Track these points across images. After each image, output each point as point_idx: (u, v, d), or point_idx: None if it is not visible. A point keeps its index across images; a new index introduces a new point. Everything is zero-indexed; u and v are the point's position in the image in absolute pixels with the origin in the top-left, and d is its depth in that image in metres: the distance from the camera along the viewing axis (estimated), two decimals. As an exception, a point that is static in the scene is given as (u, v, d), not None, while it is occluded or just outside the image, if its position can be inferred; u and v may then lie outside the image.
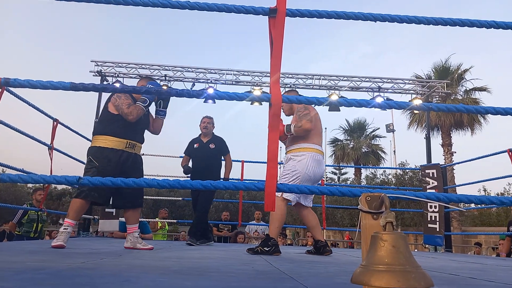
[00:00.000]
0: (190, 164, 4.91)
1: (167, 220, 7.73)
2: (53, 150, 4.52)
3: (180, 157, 6.66)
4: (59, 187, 25.95)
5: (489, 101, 17.01)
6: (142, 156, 3.38)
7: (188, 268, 1.82)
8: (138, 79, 3.49)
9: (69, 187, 18.71)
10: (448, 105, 1.48)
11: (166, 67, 8.10)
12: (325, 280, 1.55)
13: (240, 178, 6.30)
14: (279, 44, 1.55)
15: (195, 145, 4.85)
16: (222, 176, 4.83)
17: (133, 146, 3.15)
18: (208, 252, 3.18)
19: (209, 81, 8.07)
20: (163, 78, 8.05)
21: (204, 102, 8.03)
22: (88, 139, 5.71)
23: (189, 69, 8.07)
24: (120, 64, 7.99)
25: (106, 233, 6.08)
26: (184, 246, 4.16)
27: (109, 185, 1.45)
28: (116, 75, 7.91)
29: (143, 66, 8.07)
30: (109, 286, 1.17)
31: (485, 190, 18.22)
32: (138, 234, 3.21)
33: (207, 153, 4.74)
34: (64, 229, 2.92)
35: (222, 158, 4.89)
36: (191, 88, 7.89)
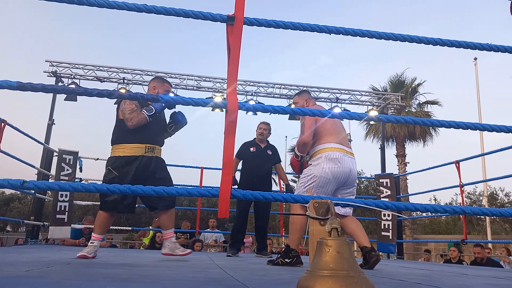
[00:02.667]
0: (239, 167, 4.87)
1: (147, 228, 7.51)
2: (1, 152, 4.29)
3: (175, 166, 6.52)
4: (7, 191, 24.58)
5: (440, 114, 17.91)
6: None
7: (140, 276, 1.77)
8: (151, 78, 3.44)
9: (18, 192, 17.74)
10: (397, 117, 1.54)
11: (125, 70, 7.92)
12: (277, 287, 1.56)
13: (199, 185, 6.24)
14: (237, 51, 1.56)
15: (252, 149, 4.72)
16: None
17: (152, 150, 3.07)
18: (163, 260, 3.12)
19: (169, 86, 7.97)
20: (121, 81, 7.87)
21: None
22: (39, 142, 5.47)
23: (149, 73, 7.94)
24: (76, 65, 7.74)
25: (57, 240, 5.82)
26: (138, 254, 4.05)
27: (80, 191, 1.39)
28: (72, 76, 7.64)
29: (101, 68, 7.85)
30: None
31: (435, 199, 19.09)
32: (175, 240, 3.14)
33: (265, 159, 4.70)
34: (91, 243, 2.95)
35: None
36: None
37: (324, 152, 2.95)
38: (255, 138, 4.84)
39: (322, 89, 8.51)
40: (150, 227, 7.43)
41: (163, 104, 3.06)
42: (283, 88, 8.44)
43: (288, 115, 8.51)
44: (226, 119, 1.49)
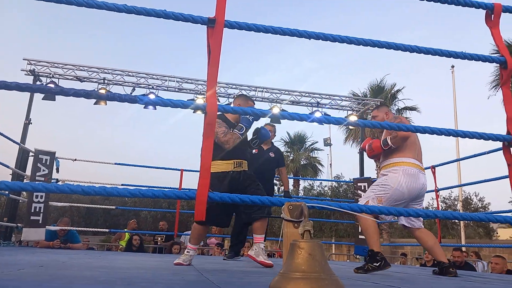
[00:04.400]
0: None
1: (124, 231, 7.37)
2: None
3: (116, 164, 6.43)
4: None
5: (418, 120, 18.25)
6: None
7: (116, 278, 1.75)
8: (234, 97, 3.56)
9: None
10: (374, 122, 1.58)
11: (105, 70, 7.82)
12: (253, 289, 1.56)
13: (178, 187, 6.19)
14: (217, 54, 1.56)
15: (254, 151, 4.52)
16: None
17: (240, 164, 3.22)
18: (141, 262, 3.08)
19: (150, 86, 7.90)
20: (102, 81, 7.76)
21: (144, 107, 7.86)
22: (14, 141, 5.33)
23: (130, 73, 7.86)
24: (55, 64, 7.59)
25: (31, 242, 5.68)
26: (115, 256, 3.99)
27: (54, 192, 1.37)
28: (51, 75, 7.50)
29: (80, 67, 7.72)
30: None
31: (412, 204, 19.34)
32: (263, 246, 3.17)
33: (266, 161, 4.55)
34: (187, 252, 3.22)
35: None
36: (130, 93, 7.67)
37: (402, 165, 2.97)
38: None
39: (304, 94, 8.57)
40: (125, 230, 7.31)
41: (251, 120, 3.19)
42: (265, 91, 8.48)
43: (269, 119, 8.56)
44: (205, 121, 1.50)
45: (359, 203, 2.86)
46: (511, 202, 16.62)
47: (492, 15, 1.91)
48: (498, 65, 1.91)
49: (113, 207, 7.66)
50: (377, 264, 2.84)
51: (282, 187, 5.06)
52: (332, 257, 10.74)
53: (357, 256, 6.78)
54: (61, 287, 1.36)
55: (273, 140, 4.90)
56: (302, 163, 23.61)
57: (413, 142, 3.10)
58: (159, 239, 7.19)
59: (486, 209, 18.25)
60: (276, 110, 7.48)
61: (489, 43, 14.67)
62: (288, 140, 25.69)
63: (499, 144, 1.80)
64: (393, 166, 3.01)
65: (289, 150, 25.69)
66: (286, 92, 8.55)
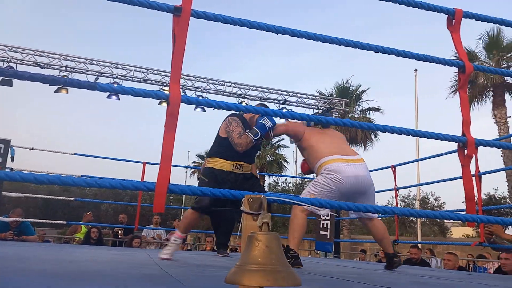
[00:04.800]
0: None
1: (83, 223, 7.09)
2: None
3: (76, 154, 6.22)
4: None
5: (381, 120, 18.74)
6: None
7: (68, 271, 1.69)
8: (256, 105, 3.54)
9: None
10: (336, 119, 1.59)
11: (68, 57, 7.53)
12: (210, 283, 1.55)
13: (141, 180, 6.07)
14: (182, 43, 1.52)
15: None
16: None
17: (240, 167, 3.23)
18: (98, 256, 2.99)
19: (114, 76, 7.68)
20: (64, 68, 7.47)
21: (107, 98, 7.64)
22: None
23: (93, 62, 7.61)
24: (14, 48, 7.24)
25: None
26: (72, 249, 3.86)
27: (4, 179, 1.29)
28: (8, 60, 7.14)
29: (41, 53, 7.40)
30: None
31: (373, 202, 19.96)
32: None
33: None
34: (173, 240, 3.08)
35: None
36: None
37: (327, 164, 2.95)
38: None
39: (271, 90, 8.61)
40: (81, 222, 7.09)
41: (267, 127, 3.13)
42: (233, 86, 8.44)
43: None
44: (167, 111, 1.46)
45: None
46: (464, 202, 17.41)
47: (454, 20, 1.97)
48: (457, 70, 1.98)
49: (72, 198, 7.40)
50: (287, 261, 2.69)
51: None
52: (304, 253, 10.91)
53: (318, 252, 6.90)
54: (15, 280, 1.30)
55: None
56: (268, 159, 23.75)
57: (319, 141, 3.10)
58: (119, 232, 7.03)
59: (442, 208, 19.09)
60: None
61: (450, 49, 15.25)
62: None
63: (455, 146, 1.87)
64: (320, 168, 2.98)
65: (255, 146, 25.77)
66: (254, 88, 8.55)
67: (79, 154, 6.25)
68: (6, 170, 5.39)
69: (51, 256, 2.58)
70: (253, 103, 8.55)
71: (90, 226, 6.62)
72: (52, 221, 6.79)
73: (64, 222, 6.93)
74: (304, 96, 8.78)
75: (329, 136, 3.25)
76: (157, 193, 1.33)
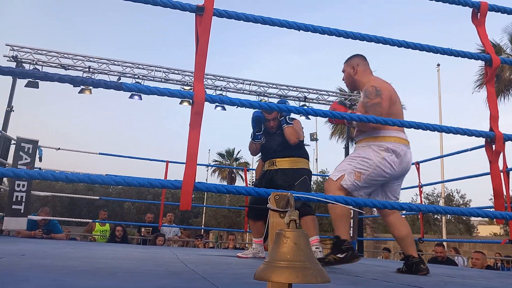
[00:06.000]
0: None
1: (107, 221, 7.31)
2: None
3: (100, 154, 6.36)
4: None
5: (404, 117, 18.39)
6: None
7: (96, 268, 1.73)
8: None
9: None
10: (360, 115, 1.58)
11: (91, 58, 7.68)
12: (236, 280, 1.57)
13: (164, 178, 6.15)
14: (205, 42, 1.54)
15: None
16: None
17: (272, 163, 3.46)
18: (123, 253, 3.06)
19: (136, 76, 7.80)
20: (87, 69, 7.63)
21: (129, 98, 7.76)
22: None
23: (115, 62, 7.74)
24: (39, 51, 7.43)
25: (12, 232, 5.58)
26: (98, 247, 3.95)
27: (37, 178, 1.33)
28: (34, 62, 7.33)
29: (65, 55, 7.57)
30: (3, 286, 1.07)
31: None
32: (315, 248, 3.10)
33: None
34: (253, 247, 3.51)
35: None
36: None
37: (388, 141, 2.40)
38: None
39: (291, 88, 8.58)
40: (97, 220, 7.24)
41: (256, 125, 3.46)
42: (253, 84, 8.45)
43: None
44: (192, 110, 1.48)
45: (331, 176, 2.45)
46: (491, 199, 16.98)
47: (479, 14, 1.92)
48: (482, 64, 1.93)
49: (97, 197, 7.56)
50: (342, 256, 2.31)
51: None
52: (315, 251, 10.89)
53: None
54: (38, 276, 1.34)
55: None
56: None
57: (399, 113, 2.53)
58: (143, 230, 7.14)
59: (468, 205, 18.63)
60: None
61: (474, 42, 14.86)
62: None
63: (482, 142, 1.83)
64: (377, 140, 2.43)
65: (275, 144, 25.75)
66: (274, 86, 8.54)
67: (103, 154, 6.39)
68: (35, 169, 5.55)
69: (78, 254, 2.65)
70: (273, 100, 8.55)
71: (113, 225, 6.75)
72: (78, 220, 6.95)
73: (90, 221, 7.09)
74: (325, 92, 8.71)
75: (397, 103, 2.58)
76: (184, 191, 1.35)
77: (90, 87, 6.05)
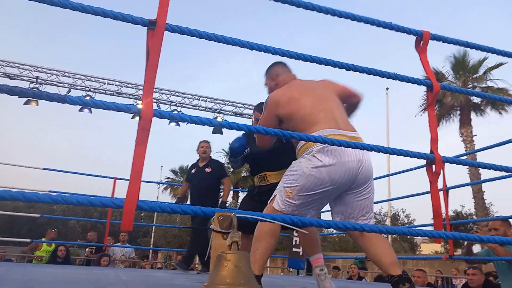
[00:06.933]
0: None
1: (49, 241, 6.84)
2: None
3: (44, 169, 6.02)
4: None
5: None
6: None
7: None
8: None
9: None
10: (309, 135, 1.61)
11: (39, 69, 7.36)
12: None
13: (111, 196, 5.91)
14: (156, 57, 1.51)
15: (193, 171, 4.85)
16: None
17: (263, 178, 3.03)
18: (64, 274, 2.87)
19: (87, 89, 7.55)
20: (34, 80, 7.29)
21: (79, 110, 7.48)
22: None
23: (66, 74, 7.46)
24: (-20, 58, 7.01)
25: None
26: (36, 268, 3.70)
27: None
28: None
29: (11, 64, 7.20)
30: None
31: (346, 218, 20.23)
32: (320, 270, 2.46)
33: (203, 178, 4.69)
34: None
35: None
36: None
37: (313, 146, 1.98)
38: (198, 159, 4.90)
39: (247, 105, 8.64)
40: (43, 239, 6.83)
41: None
42: (208, 101, 8.44)
43: (212, 128, 8.49)
44: (139, 126, 1.43)
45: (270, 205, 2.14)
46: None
47: (421, 42, 2.04)
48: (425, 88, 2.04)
49: (38, 215, 7.11)
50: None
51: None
52: (266, 270, 10.81)
53: (291, 269, 6.86)
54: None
55: (215, 152, 5.06)
56: (242, 175, 23.68)
57: (317, 104, 2.13)
58: (87, 250, 6.80)
59: (412, 223, 19.43)
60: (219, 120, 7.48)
61: (420, 69, 15.75)
62: (229, 152, 25.71)
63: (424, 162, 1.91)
64: (305, 149, 2.03)
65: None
66: (230, 103, 8.58)
67: (47, 169, 6.05)
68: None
69: (11, 276, 2.46)
70: (229, 118, 8.56)
71: (56, 244, 6.37)
72: (15, 239, 6.49)
73: (29, 240, 6.65)
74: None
75: (315, 95, 2.21)
76: (126, 210, 1.29)
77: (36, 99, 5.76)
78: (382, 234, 2.09)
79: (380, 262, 1.95)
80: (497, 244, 3.19)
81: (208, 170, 4.75)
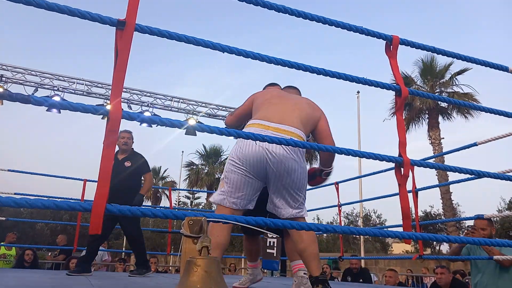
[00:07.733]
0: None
1: (14, 245, 6.59)
2: None
3: (10, 170, 5.80)
4: None
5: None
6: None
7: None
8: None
9: None
10: (281, 138, 1.61)
11: (4, 66, 7.09)
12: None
13: (81, 198, 5.76)
14: (124, 58, 1.48)
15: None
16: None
17: None
18: (30, 280, 2.77)
19: (55, 88, 7.33)
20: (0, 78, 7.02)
21: (47, 110, 7.26)
22: None
23: (33, 72, 7.22)
24: None
25: None
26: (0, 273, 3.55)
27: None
28: None
29: (-27, 61, 6.91)
30: None
31: (318, 219, 20.49)
32: (303, 273, 2.50)
33: (121, 171, 4.16)
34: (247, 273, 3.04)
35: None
36: (32, 94, 7.04)
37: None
38: (117, 151, 4.35)
39: (221, 107, 8.61)
40: (2, 243, 6.60)
41: None
42: (181, 102, 8.36)
43: (185, 129, 8.42)
44: (106, 127, 1.40)
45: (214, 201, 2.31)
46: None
47: (391, 46, 2.08)
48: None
49: (3, 218, 6.84)
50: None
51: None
52: (241, 272, 10.77)
53: (265, 271, 6.88)
54: None
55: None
56: (216, 176, 23.59)
57: (266, 100, 2.36)
58: (50, 254, 6.61)
59: (383, 224, 19.85)
60: (192, 122, 7.41)
61: (389, 73, 16.13)
62: (203, 153, 25.53)
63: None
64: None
65: (204, 163, 25.54)
66: (203, 105, 8.53)
67: (13, 171, 5.83)
68: None
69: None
70: (202, 119, 8.51)
71: (22, 248, 6.16)
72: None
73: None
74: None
75: (272, 93, 2.47)
76: (94, 213, 1.26)
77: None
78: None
79: (306, 259, 2.23)
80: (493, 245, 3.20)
81: (127, 164, 4.28)
